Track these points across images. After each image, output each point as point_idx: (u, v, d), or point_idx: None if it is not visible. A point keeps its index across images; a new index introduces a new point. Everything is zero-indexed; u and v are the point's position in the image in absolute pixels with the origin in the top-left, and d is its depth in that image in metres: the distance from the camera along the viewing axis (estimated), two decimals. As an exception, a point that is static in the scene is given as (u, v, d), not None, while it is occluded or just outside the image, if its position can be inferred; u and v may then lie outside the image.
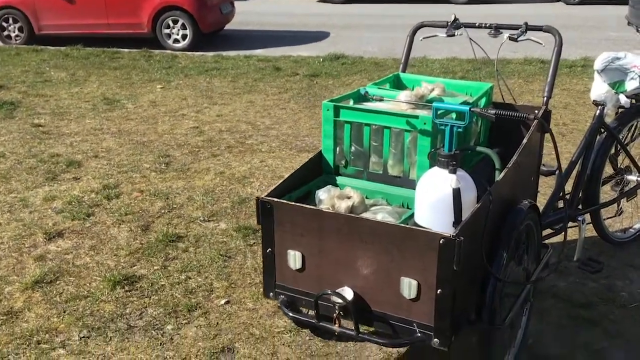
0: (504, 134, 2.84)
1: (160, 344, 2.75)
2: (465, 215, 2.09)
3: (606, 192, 3.52)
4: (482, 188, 2.18)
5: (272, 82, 7.60)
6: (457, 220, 2.08)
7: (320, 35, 10.93)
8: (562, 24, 11.65)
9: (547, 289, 3.11)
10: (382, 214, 2.31)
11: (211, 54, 9.33)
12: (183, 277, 3.25)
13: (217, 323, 2.89)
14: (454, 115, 2.39)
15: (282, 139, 5.49)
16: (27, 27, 9.90)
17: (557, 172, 3.06)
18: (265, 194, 2.30)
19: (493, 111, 2.07)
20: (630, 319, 2.91)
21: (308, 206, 2.19)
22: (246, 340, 2.77)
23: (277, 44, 10.21)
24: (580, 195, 3.23)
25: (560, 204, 3.21)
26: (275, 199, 2.25)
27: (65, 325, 2.88)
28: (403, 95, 2.54)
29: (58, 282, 3.23)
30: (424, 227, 2.15)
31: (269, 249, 2.30)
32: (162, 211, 4.02)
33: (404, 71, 3.12)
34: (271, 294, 2.35)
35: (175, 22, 9.64)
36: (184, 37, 9.71)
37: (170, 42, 9.74)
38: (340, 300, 2.12)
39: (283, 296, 2.32)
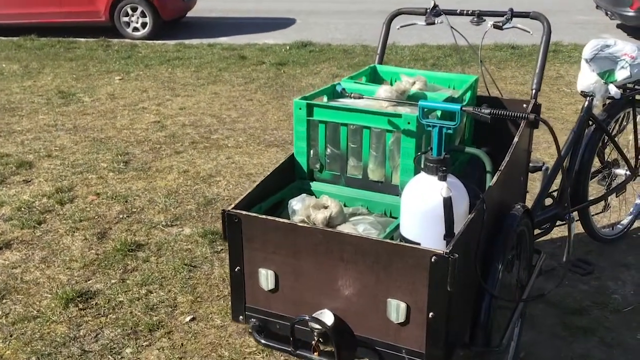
0: (489, 129, 2.62)
1: (119, 371, 2.48)
2: (458, 227, 1.86)
3: (592, 187, 3.34)
4: (474, 194, 1.95)
5: (237, 71, 7.29)
6: (448, 233, 1.85)
7: (287, 22, 10.61)
8: (529, 7, 11.54)
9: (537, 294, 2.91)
10: (363, 226, 2.06)
11: (173, 42, 8.95)
12: (143, 292, 2.97)
13: (182, 344, 2.63)
14: (438, 113, 2.16)
15: (249, 132, 5.20)
16: (-24, 17, 9.37)
17: (544, 168, 2.88)
18: (232, 205, 2.03)
19: (487, 111, 1.84)
20: (626, 325, 2.73)
21: (280, 219, 1.94)
22: (214, 364, 2.51)
23: (242, 31, 9.87)
24: (568, 191, 3.04)
25: (547, 202, 3.02)
26: (244, 212, 1.99)
27: (12, 352, 2.58)
28: (383, 90, 2.29)
29: (4, 300, 2.92)
30: (411, 241, 1.92)
31: (237, 268, 2.04)
32: (121, 216, 3.71)
33: (380, 62, 2.87)
34: (241, 317, 2.10)
35: (134, 9, 9.22)
36: (144, 25, 9.30)
37: (129, 30, 9.32)
38: (318, 327, 1.88)
39: (254, 320, 2.07)
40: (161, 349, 2.59)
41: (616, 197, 3.30)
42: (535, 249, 2.60)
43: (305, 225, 1.90)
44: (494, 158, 2.35)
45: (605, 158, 3.30)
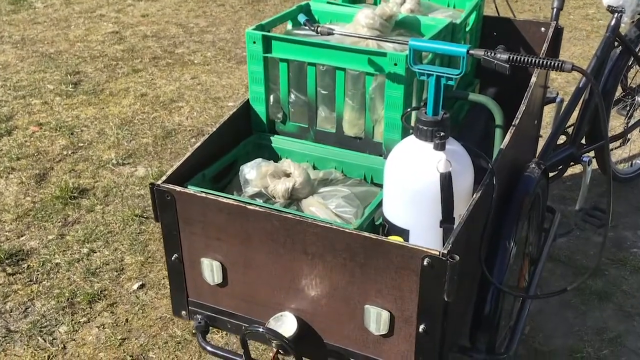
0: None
1: (48, 357, 2.08)
2: (458, 210, 1.40)
3: (612, 116, 2.86)
4: (475, 155, 1.48)
5: (209, -30, 6.53)
6: (446, 219, 1.39)
7: None
8: None
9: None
10: (336, 201, 1.59)
11: None
12: (85, 251, 2.54)
13: (127, 320, 2.22)
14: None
15: (219, 46, 4.60)
16: None
17: (558, 100, 2.39)
18: (165, 177, 1.55)
19: (505, 56, 1.32)
20: (648, 288, 2.34)
21: (223, 198, 1.46)
22: (163, 347, 2.11)
23: None
24: (586, 127, 2.56)
25: (560, 139, 2.55)
26: (177, 188, 1.51)
27: None
28: (363, 15, 1.74)
29: None
30: (397, 227, 1.46)
31: (175, 256, 1.59)
32: (65, 152, 3.21)
33: (363, -28, 2.29)
34: (183, 312, 1.67)
35: None
36: None
37: None
38: (276, 340, 1.46)
39: (200, 317, 1.64)
40: (101, 326, 2.19)
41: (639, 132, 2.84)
42: (549, 207, 2.16)
43: (256, 207, 1.43)
44: (503, 97, 1.86)
45: (629, 84, 2.80)
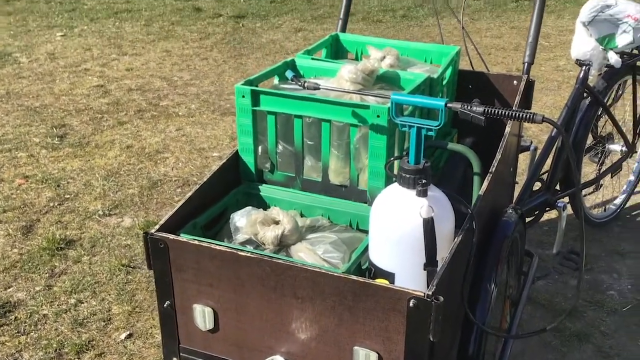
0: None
1: (37, 409, 2.08)
2: (441, 253, 1.47)
3: (584, 163, 2.98)
4: (455, 201, 1.56)
5: (191, 25, 6.70)
6: (430, 262, 1.46)
7: (246, -32, 9.90)
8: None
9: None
10: (323, 247, 1.66)
11: (122, -8, 8.24)
12: (72, 302, 2.55)
13: (115, 370, 2.23)
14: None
15: (203, 98, 4.71)
16: None
17: (532, 148, 2.50)
18: (157, 226, 1.60)
19: (480, 109, 1.42)
20: (625, 328, 2.41)
21: (217, 245, 1.52)
22: (152, 396, 2.13)
23: (198, -21, 9.16)
24: (560, 174, 2.67)
25: (536, 185, 2.65)
26: (171, 236, 1.56)
27: None
28: (346, 70, 1.84)
29: None
30: (383, 270, 1.53)
31: (167, 302, 1.63)
32: (51, 204, 3.25)
33: (343, 30, 2.42)
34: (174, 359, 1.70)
35: (78, -44, 8.44)
36: (90, -27, 8.54)
37: (74, -21, 8.55)
38: (268, 383, 1.50)
39: (191, 364, 1.67)
40: (90, 377, 2.20)
41: (611, 177, 2.95)
42: (527, 251, 2.25)
43: (248, 253, 1.49)
44: (479, 145, 1.96)
45: (599, 132, 2.93)
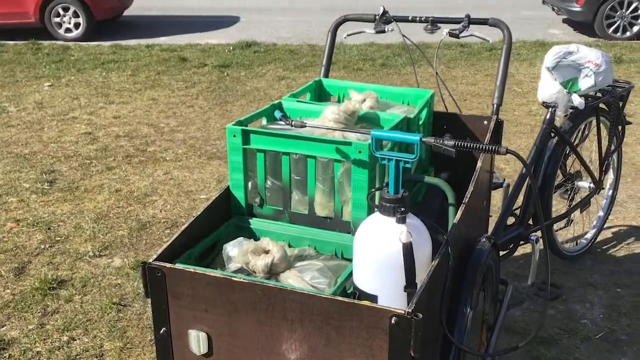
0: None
1: None
2: (420, 274, 1.60)
3: (554, 200, 3.13)
4: (432, 229, 1.69)
5: (177, 74, 6.89)
6: (409, 284, 1.58)
7: (230, 20, 10.22)
8: (475, 5, 11.44)
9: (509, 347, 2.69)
10: (311, 274, 1.77)
11: (108, 43, 8.46)
12: (65, 339, 2.61)
13: (108, 403, 2.29)
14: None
15: (189, 143, 4.84)
16: None
17: (504, 185, 2.67)
18: (155, 255, 1.71)
19: (451, 142, 1.57)
20: (598, 355, 2.53)
21: (212, 273, 1.63)
22: None
23: (183, 30, 9.43)
24: (532, 209, 2.82)
25: (510, 220, 2.80)
26: (167, 265, 1.67)
27: None
28: (329, 111, 2.00)
29: None
30: (366, 293, 1.64)
31: (163, 329, 1.73)
32: (42, 246, 3.32)
33: (326, 75, 2.59)
34: (170, 385, 1.78)
35: (65, 9, 8.67)
36: (77, 25, 8.77)
37: (61, 31, 8.77)
38: (260, 403, 1.59)
39: (186, 389, 1.76)
40: (83, 410, 2.25)
41: (580, 212, 3.11)
42: (501, 280, 2.37)
43: (241, 279, 1.60)
44: (455, 181, 2.11)
45: (568, 170, 3.10)
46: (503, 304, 2.27)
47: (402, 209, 1.59)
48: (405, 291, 1.59)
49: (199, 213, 1.90)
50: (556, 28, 9.34)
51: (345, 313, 1.51)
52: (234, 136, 1.92)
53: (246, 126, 1.96)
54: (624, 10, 8.36)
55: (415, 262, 1.57)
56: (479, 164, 2.05)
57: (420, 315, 1.44)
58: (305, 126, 1.86)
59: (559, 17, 9.67)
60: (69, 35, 8.77)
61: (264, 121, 2.13)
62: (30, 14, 8.65)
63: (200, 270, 1.65)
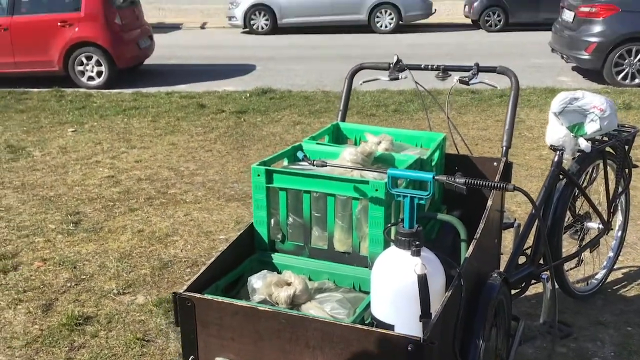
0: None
1: None
2: (434, 305, 1.70)
3: (565, 241, 3.22)
4: (445, 262, 1.80)
5: (196, 120, 7.11)
6: (424, 314, 1.68)
7: (246, 68, 10.52)
8: (486, 52, 11.71)
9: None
10: (330, 305, 1.88)
11: (129, 91, 8.74)
12: (91, 373, 2.71)
13: None
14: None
15: (208, 186, 5.00)
16: None
17: (515, 225, 2.76)
18: (185, 287, 1.83)
19: (462, 180, 1.69)
20: (610, 392, 2.58)
21: (239, 302, 1.75)
22: None
23: (201, 78, 9.72)
24: (541, 249, 2.91)
25: (521, 259, 2.89)
26: (197, 295, 1.79)
27: None
28: (347, 153, 2.14)
29: None
30: (383, 323, 1.74)
31: (192, 357, 1.83)
32: (68, 284, 3.45)
33: (343, 119, 2.74)
34: (196, 411, 1.87)
35: (89, 58, 9.00)
36: (99, 74, 9.08)
37: (84, 79, 9.08)
38: None
39: (212, 415, 1.85)
40: None
41: (590, 252, 3.19)
42: (513, 316, 2.45)
43: (266, 308, 1.71)
44: (466, 220, 2.21)
45: (577, 211, 3.20)
46: (515, 339, 2.35)
47: (417, 243, 1.70)
48: (420, 321, 1.69)
49: (224, 248, 2.02)
50: (565, 75, 9.52)
51: (364, 340, 1.61)
52: (258, 175, 2.06)
53: (269, 166, 2.10)
54: (632, 58, 8.54)
55: (430, 293, 1.68)
56: (489, 202, 2.16)
57: (436, 342, 1.54)
58: (326, 165, 1.99)
59: (568, 65, 9.86)
60: (91, 83, 9.07)
61: (285, 162, 2.26)
62: (54, 63, 8.98)
63: (227, 300, 1.77)
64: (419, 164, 2.17)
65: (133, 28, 9.51)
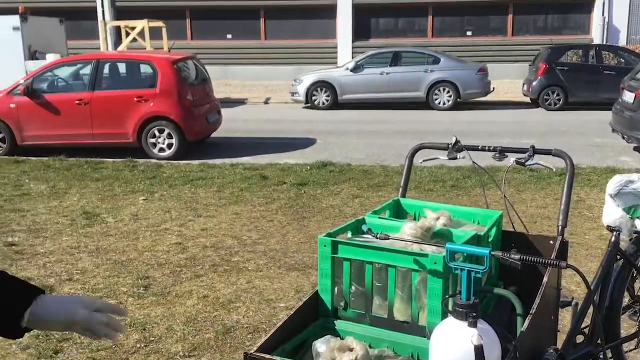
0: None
1: None
2: (490, 376, 1.78)
3: (624, 322, 3.22)
4: (505, 339, 1.89)
5: (258, 191, 7.40)
6: (481, 384, 1.77)
7: (307, 142, 10.90)
8: (546, 130, 11.75)
9: None
10: (390, 371, 1.99)
11: (197, 162, 9.18)
12: None
13: None
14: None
15: (270, 255, 5.19)
16: (10, 138, 9.72)
17: (573, 304, 2.80)
18: (256, 347, 1.98)
19: (517, 256, 1.81)
20: None
21: (304, 364, 1.88)
22: None
23: (264, 151, 10.12)
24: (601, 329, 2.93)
25: (578, 339, 2.91)
26: (267, 356, 1.93)
27: None
28: (408, 227, 2.28)
29: None
30: (441, 391, 1.83)
31: (259, 415, 1.95)
32: (138, 345, 3.64)
33: (403, 195, 2.89)
34: None
35: (161, 131, 9.55)
36: (170, 146, 9.59)
37: (155, 151, 9.61)
38: None
39: None
40: None
41: (650, 333, 3.18)
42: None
43: (330, 371, 1.84)
44: (523, 296, 2.30)
45: (636, 292, 3.21)
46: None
47: (474, 314, 1.81)
48: (476, 390, 1.77)
49: (291, 313, 2.17)
50: (627, 155, 9.46)
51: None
52: (325, 246, 2.22)
53: (334, 238, 2.26)
54: (695, 139, 8.46)
55: (486, 363, 1.77)
56: (545, 279, 2.25)
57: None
58: (388, 239, 2.14)
59: (630, 145, 9.81)
60: (162, 154, 9.58)
61: (349, 234, 2.42)
62: (129, 135, 9.56)
63: (293, 361, 1.90)
64: (476, 240, 2.30)
65: (203, 103, 10.07)
